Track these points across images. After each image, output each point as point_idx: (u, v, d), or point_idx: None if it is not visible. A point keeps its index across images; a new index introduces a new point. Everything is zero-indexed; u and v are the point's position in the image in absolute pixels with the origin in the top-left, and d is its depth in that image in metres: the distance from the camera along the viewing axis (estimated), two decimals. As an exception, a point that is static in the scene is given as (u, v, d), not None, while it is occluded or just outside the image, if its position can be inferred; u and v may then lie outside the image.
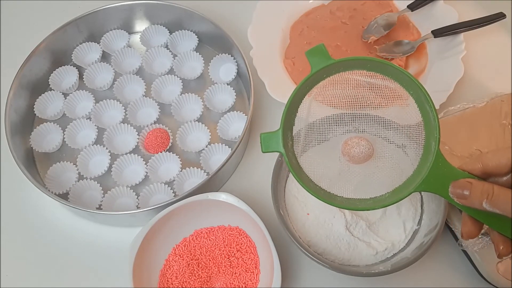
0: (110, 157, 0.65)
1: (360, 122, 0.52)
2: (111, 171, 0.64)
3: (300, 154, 0.49)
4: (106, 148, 0.65)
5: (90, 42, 0.74)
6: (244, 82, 0.71)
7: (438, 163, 0.44)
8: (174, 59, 0.72)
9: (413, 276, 0.58)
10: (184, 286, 0.56)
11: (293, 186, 0.59)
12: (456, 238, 0.57)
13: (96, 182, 0.63)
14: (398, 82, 0.48)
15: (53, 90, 0.70)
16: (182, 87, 0.69)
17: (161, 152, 0.65)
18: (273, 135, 0.47)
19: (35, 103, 0.69)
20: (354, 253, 0.55)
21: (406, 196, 0.45)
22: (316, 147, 0.51)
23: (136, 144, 0.66)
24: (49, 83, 0.71)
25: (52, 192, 0.60)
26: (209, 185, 0.60)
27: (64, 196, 0.62)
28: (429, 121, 0.46)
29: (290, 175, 0.60)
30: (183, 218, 0.58)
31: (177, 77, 0.70)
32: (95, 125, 0.67)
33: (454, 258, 0.59)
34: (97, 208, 0.62)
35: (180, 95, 0.69)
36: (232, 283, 0.56)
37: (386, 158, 0.50)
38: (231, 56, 0.71)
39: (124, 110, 0.68)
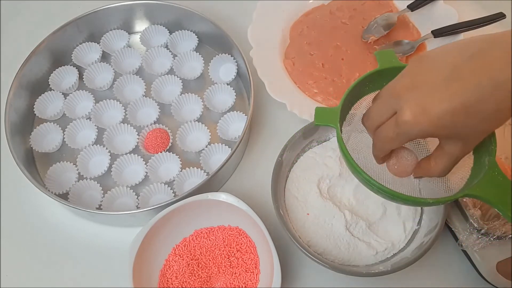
0: (110, 157, 0.65)
1: None
2: (111, 171, 0.64)
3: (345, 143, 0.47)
4: (106, 148, 0.65)
5: (90, 42, 0.74)
6: (244, 82, 0.71)
7: (493, 172, 0.44)
8: (174, 59, 0.72)
9: (413, 276, 0.58)
10: (184, 286, 0.56)
11: (293, 186, 0.59)
12: (456, 238, 0.57)
13: (96, 182, 0.63)
14: None
15: (53, 90, 0.70)
16: (182, 87, 0.69)
17: (161, 152, 0.65)
18: (329, 110, 0.47)
19: (35, 103, 0.69)
20: (354, 253, 0.55)
21: (459, 197, 0.44)
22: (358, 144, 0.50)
23: (136, 144, 0.66)
24: (49, 83, 0.71)
25: (52, 192, 0.60)
26: (209, 185, 0.60)
27: (64, 196, 0.62)
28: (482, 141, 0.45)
29: (290, 175, 0.60)
30: (183, 218, 0.58)
31: (177, 77, 0.70)
32: (95, 125, 0.67)
33: (454, 258, 0.59)
34: (97, 208, 0.62)
35: (180, 95, 0.69)
36: (232, 283, 0.56)
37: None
38: (231, 56, 0.71)
39: (124, 110, 0.68)
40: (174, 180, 0.63)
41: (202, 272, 0.57)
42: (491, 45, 0.37)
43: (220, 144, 0.65)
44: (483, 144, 0.45)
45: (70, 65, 0.73)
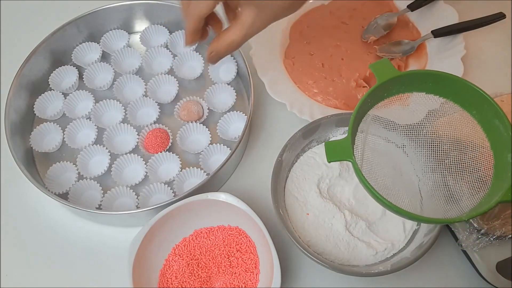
0: (110, 157, 0.65)
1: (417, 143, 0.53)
2: (111, 171, 0.64)
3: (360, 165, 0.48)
4: (106, 148, 0.65)
5: (90, 42, 0.74)
6: (244, 82, 0.71)
7: None
8: (174, 59, 0.72)
9: (413, 276, 0.58)
10: (184, 286, 0.56)
11: (293, 186, 0.59)
12: (456, 238, 0.57)
13: (96, 182, 0.63)
14: (457, 102, 0.48)
15: (53, 90, 0.70)
16: (178, 87, 0.69)
17: (160, 152, 0.65)
18: (339, 143, 0.47)
19: (35, 103, 0.69)
20: (353, 253, 0.55)
21: (492, 207, 0.44)
22: (373, 162, 0.51)
23: (136, 144, 0.66)
24: (49, 83, 0.71)
25: (52, 192, 0.60)
26: (209, 185, 0.60)
27: (64, 196, 0.62)
28: (498, 136, 0.46)
29: (290, 175, 0.60)
30: (183, 218, 0.58)
31: (177, 77, 0.70)
32: (95, 125, 0.67)
33: (454, 258, 0.59)
34: (96, 208, 0.61)
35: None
36: (232, 283, 0.56)
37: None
38: (231, 56, 0.71)
39: (124, 110, 0.68)
40: (174, 180, 0.63)
41: (202, 272, 0.57)
42: None
43: (219, 144, 0.65)
44: (500, 139, 0.45)
45: (70, 65, 0.73)
